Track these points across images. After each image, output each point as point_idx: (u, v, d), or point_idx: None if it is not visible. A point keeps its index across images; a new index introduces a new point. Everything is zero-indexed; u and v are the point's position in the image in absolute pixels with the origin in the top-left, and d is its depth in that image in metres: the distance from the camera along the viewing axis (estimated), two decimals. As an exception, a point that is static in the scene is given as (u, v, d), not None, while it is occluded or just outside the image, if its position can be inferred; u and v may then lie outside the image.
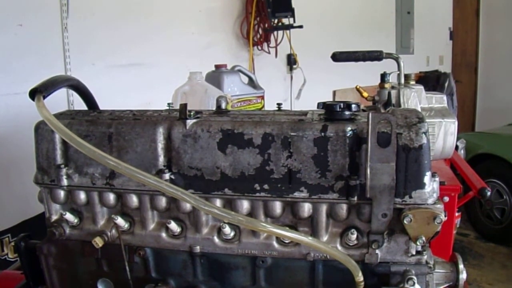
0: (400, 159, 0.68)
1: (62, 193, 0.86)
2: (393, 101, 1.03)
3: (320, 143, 0.71)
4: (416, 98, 1.03)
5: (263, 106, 1.57)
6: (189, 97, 1.21)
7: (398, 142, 0.68)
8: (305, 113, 0.78)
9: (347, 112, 0.73)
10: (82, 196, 0.85)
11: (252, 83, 1.58)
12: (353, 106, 0.74)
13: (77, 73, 2.02)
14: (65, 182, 0.84)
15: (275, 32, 2.92)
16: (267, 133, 0.73)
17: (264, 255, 0.77)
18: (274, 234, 0.72)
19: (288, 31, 2.95)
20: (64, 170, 0.83)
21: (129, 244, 0.84)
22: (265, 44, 2.91)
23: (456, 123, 1.07)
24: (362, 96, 1.11)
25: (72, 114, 0.88)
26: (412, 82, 1.12)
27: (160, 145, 0.78)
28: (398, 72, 1.09)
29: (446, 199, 1.05)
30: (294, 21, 2.82)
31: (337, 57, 1.12)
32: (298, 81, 3.26)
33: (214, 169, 0.75)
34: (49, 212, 0.87)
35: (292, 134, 0.72)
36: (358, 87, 1.10)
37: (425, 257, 0.73)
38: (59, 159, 0.84)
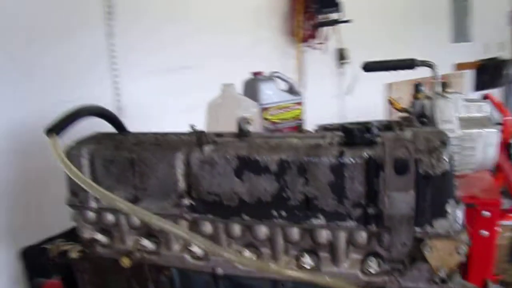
0: (420, 187, 0.65)
1: (91, 215, 0.89)
2: (428, 112, 0.98)
3: (337, 170, 0.69)
4: (451, 109, 0.98)
5: (301, 112, 1.54)
6: (222, 111, 1.22)
7: (418, 168, 0.65)
8: (324, 136, 0.76)
9: (366, 135, 0.71)
10: (110, 217, 0.88)
11: (290, 89, 1.56)
12: (373, 128, 0.71)
13: (125, 78, 2.09)
14: (93, 204, 0.87)
15: (324, 28, 2.87)
16: (282, 159, 0.72)
17: (285, 279, 0.77)
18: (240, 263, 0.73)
19: (336, 26, 2.89)
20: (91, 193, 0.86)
21: (156, 264, 0.86)
22: (312, 41, 2.87)
23: (498, 133, 1.01)
24: (395, 109, 1.07)
25: (99, 138, 0.91)
26: (451, 90, 1.06)
27: (180, 170, 0.79)
28: (434, 80, 1.04)
29: (486, 213, 0.99)
30: (342, 16, 2.76)
31: (368, 67, 1.09)
32: (350, 76, 3.19)
33: (232, 194, 0.75)
34: (82, 231, 0.91)
35: (307, 160, 0.70)
36: (390, 98, 1.06)
37: (452, 285, 0.70)
38: (87, 182, 0.87)
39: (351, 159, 0.68)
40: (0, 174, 1.61)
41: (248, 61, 2.66)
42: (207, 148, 0.77)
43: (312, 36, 2.83)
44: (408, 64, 1.04)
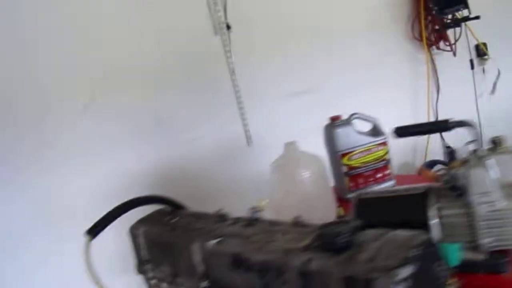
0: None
1: (151, 282, 1.08)
2: (462, 183, 0.91)
3: (305, 277, 0.73)
4: (488, 179, 0.88)
5: (386, 152, 1.50)
6: (282, 171, 1.28)
7: (370, 288, 0.65)
8: (308, 235, 0.79)
9: (338, 241, 0.72)
10: (164, 286, 1.06)
11: (374, 128, 1.53)
12: (344, 232, 0.72)
13: (248, 108, 2.28)
14: (150, 274, 1.06)
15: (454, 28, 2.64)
16: (264, 260, 0.78)
17: None
18: None
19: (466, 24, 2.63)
20: (148, 265, 1.05)
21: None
22: (441, 43, 2.66)
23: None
24: (427, 180, 1.00)
25: (154, 218, 1.09)
26: (504, 148, 0.95)
27: (198, 257, 0.91)
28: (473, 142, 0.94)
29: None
30: (470, 13, 2.50)
31: (400, 132, 1.03)
32: (492, 74, 2.87)
33: (233, 285, 0.85)
34: (147, 294, 1.11)
35: (282, 263, 0.76)
36: (422, 170, 1.00)
37: None
38: (143, 255, 1.06)
39: (315, 269, 0.71)
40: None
41: (377, 72, 2.63)
42: (211, 243, 0.87)
43: (440, 39, 2.63)
44: (443, 126, 0.95)
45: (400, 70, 2.68)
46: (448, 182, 0.92)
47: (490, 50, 2.82)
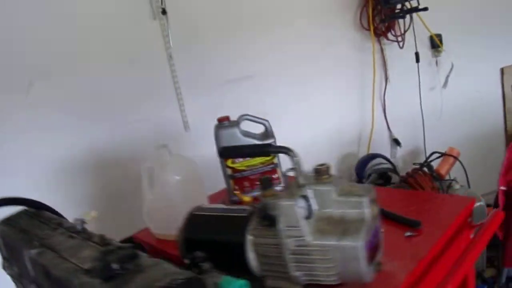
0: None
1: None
2: (274, 213, 0.92)
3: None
4: (299, 212, 0.89)
5: (274, 156, 1.54)
6: (151, 174, 1.32)
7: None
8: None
9: (109, 269, 0.77)
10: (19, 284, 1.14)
11: (265, 130, 1.56)
12: (113, 263, 0.75)
13: (186, 94, 2.34)
14: (7, 271, 1.14)
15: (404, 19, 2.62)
16: (57, 276, 0.85)
17: None
18: None
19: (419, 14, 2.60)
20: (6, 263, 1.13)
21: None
22: (390, 33, 2.65)
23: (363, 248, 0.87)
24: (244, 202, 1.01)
25: (15, 219, 1.16)
26: (327, 179, 0.96)
27: (29, 262, 0.98)
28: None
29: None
30: (418, 3, 2.46)
31: (225, 153, 1.05)
32: (446, 67, 2.85)
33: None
34: None
35: (67, 283, 0.82)
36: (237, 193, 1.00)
37: None
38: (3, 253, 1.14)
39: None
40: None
41: (322, 61, 2.63)
42: (33, 251, 0.94)
43: (389, 29, 2.62)
44: (264, 151, 0.97)
45: (347, 60, 2.68)
46: (261, 211, 0.92)
47: (445, 43, 2.79)
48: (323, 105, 2.67)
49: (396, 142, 2.84)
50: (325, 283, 0.89)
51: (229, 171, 1.50)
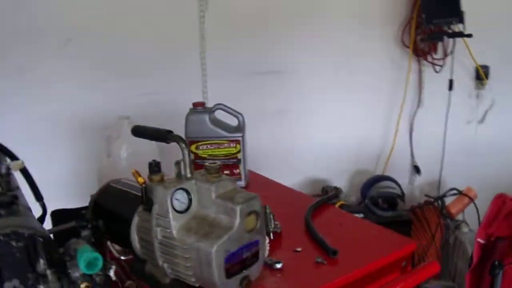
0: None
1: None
2: (151, 197, 0.86)
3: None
4: (171, 203, 0.82)
5: (238, 151, 1.52)
6: (109, 142, 1.36)
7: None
8: None
9: None
10: None
11: (237, 125, 1.53)
12: None
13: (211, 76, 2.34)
14: None
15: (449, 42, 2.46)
16: None
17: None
18: None
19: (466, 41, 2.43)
20: None
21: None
22: (431, 55, 2.50)
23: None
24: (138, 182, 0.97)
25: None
26: (215, 178, 0.87)
27: None
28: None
29: None
30: (464, 28, 2.30)
31: (134, 131, 1.04)
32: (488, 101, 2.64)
33: None
34: None
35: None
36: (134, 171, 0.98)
37: None
38: None
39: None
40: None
41: (357, 71, 2.55)
42: None
43: (431, 51, 2.48)
44: (162, 137, 0.94)
45: (380, 74, 2.56)
46: (143, 194, 0.90)
47: (492, 76, 2.59)
48: (347, 114, 2.58)
49: (416, 169, 2.69)
50: (186, 282, 0.87)
51: (192, 156, 1.51)
